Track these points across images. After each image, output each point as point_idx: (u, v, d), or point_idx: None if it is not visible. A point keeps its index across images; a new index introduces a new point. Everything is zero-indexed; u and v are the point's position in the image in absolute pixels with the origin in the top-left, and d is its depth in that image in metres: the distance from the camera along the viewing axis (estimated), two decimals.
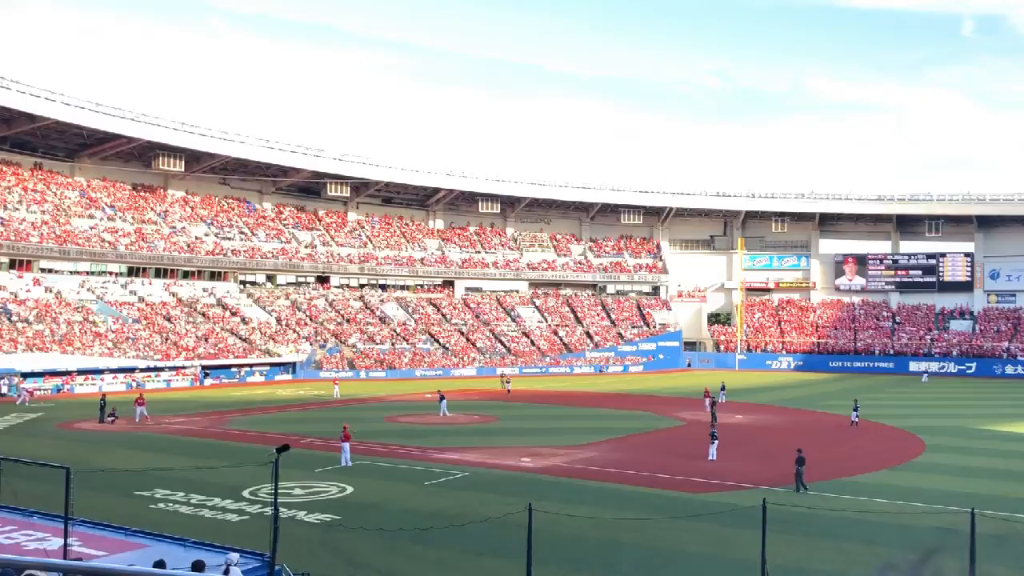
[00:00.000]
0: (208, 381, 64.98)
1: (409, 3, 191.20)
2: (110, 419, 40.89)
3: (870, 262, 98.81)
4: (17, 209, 69.43)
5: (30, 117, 67.36)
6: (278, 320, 78.13)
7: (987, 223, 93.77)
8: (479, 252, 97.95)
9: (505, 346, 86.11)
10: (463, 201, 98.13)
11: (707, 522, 20.34)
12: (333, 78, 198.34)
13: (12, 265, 67.42)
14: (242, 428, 39.86)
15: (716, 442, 31.37)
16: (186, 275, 77.87)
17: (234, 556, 11.86)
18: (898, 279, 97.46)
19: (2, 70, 66.64)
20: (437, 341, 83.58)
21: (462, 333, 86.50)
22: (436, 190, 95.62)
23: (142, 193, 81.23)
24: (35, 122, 68.42)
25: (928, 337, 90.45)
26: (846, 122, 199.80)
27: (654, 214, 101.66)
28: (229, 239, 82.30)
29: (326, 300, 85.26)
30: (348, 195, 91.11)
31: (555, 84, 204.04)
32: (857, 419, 41.81)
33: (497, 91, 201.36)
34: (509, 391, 59.50)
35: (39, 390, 55.50)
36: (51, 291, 66.99)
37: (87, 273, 71.76)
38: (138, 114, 72.88)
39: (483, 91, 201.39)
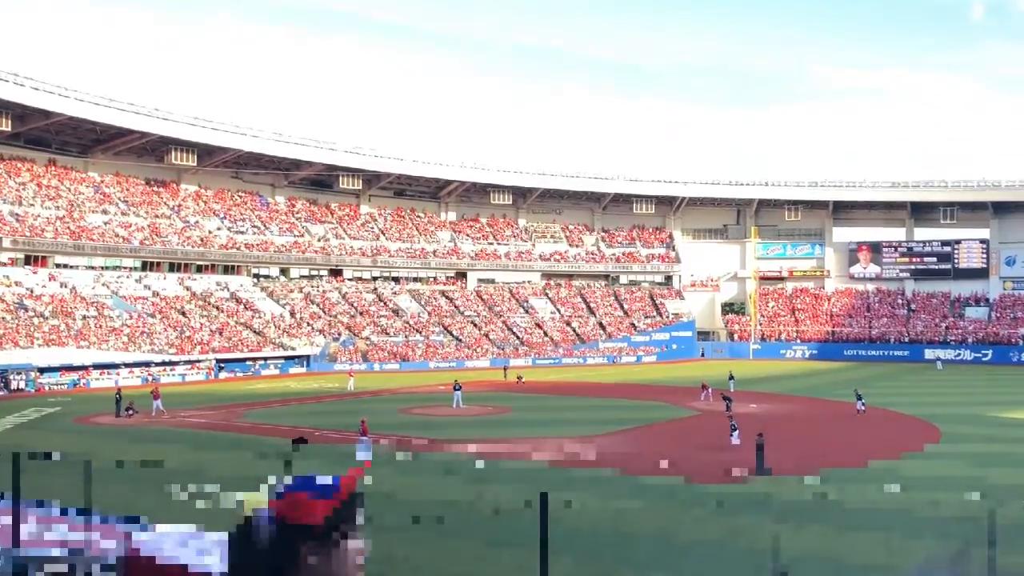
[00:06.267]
0: (222, 375, 65.36)
1: None
2: (127, 413, 41.16)
3: (884, 250, 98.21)
4: (32, 205, 69.89)
5: (44, 113, 67.71)
6: (291, 313, 78.43)
7: (1003, 209, 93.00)
8: (491, 244, 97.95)
9: (518, 337, 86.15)
10: (475, 193, 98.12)
11: (721, 511, 20.34)
12: (345, 71, 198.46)
13: (27, 261, 67.87)
14: (258, 421, 40.05)
15: (737, 430, 31.38)
16: (200, 269, 78.25)
17: None
18: (913, 266, 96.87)
19: (15, 67, 66.91)
20: (450, 333, 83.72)
21: (475, 325, 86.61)
22: (448, 182, 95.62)
23: (155, 188, 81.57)
24: (49, 118, 68.79)
25: (943, 325, 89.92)
26: (856, 109, 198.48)
27: (666, 203, 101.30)
28: (242, 233, 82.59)
29: (339, 293, 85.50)
30: (360, 188, 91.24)
31: (564, 74, 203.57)
32: (863, 407, 41.54)
33: (507, 83, 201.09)
34: (522, 379, 59.78)
35: (57, 384, 56.04)
36: (66, 286, 67.44)
37: (102, 268, 72.18)
38: (151, 109, 73.16)
39: (493, 83, 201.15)
